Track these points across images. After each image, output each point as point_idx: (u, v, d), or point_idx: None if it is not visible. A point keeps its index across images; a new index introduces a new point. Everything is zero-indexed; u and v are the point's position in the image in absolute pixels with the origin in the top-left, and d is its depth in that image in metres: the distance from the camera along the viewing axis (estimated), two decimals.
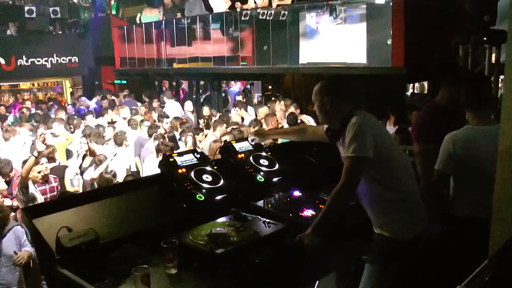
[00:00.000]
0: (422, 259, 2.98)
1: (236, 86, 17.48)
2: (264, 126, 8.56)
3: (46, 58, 18.69)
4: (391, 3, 9.26)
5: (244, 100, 13.07)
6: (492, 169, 2.90)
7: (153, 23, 15.69)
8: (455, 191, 3.39)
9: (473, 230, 3.13)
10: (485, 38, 6.32)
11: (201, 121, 10.86)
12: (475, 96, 3.37)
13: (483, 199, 3.05)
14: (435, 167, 3.35)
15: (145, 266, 2.41)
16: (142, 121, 10.02)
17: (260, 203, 3.18)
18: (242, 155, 3.59)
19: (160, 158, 6.92)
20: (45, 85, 20.69)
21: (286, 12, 11.45)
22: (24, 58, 18.36)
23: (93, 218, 2.81)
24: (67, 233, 2.58)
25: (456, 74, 3.90)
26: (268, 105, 10.84)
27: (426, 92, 12.68)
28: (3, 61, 18.14)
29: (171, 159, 3.28)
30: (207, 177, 3.23)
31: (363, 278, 2.96)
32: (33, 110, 14.14)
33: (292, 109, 9.77)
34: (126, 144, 8.24)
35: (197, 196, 3.06)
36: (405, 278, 2.89)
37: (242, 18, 12.38)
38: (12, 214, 5.50)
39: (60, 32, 19.40)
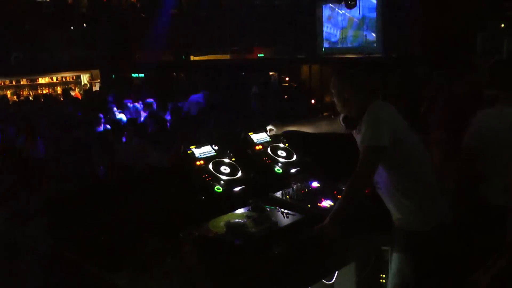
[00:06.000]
0: (442, 249, 2.95)
1: None
2: None
3: (64, 52, 18.74)
4: None
5: None
6: None
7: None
8: (484, 177, 3.26)
9: (499, 217, 3.06)
10: (502, 25, 6.25)
11: None
12: (503, 74, 3.29)
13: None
14: (462, 144, 3.27)
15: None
16: None
17: (278, 194, 3.18)
18: (260, 146, 3.59)
19: None
20: (63, 79, 20.79)
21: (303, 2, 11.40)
22: (42, 52, 18.42)
23: (112, 210, 2.84)
24: (86, 225, 2.61)
25: (473, 61, 3.85)
26: None
27: (443, 80, 12.51)
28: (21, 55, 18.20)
29: (189, 151, 3.30)
30: (225, 169, 3.24)
31: (392, 267, 2.96)
32: None
33: None
34: None
35: (216, 187, 3.07)
36: (429, 268, 2.87)
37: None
38: None
39: (77, 26, 19.44)
